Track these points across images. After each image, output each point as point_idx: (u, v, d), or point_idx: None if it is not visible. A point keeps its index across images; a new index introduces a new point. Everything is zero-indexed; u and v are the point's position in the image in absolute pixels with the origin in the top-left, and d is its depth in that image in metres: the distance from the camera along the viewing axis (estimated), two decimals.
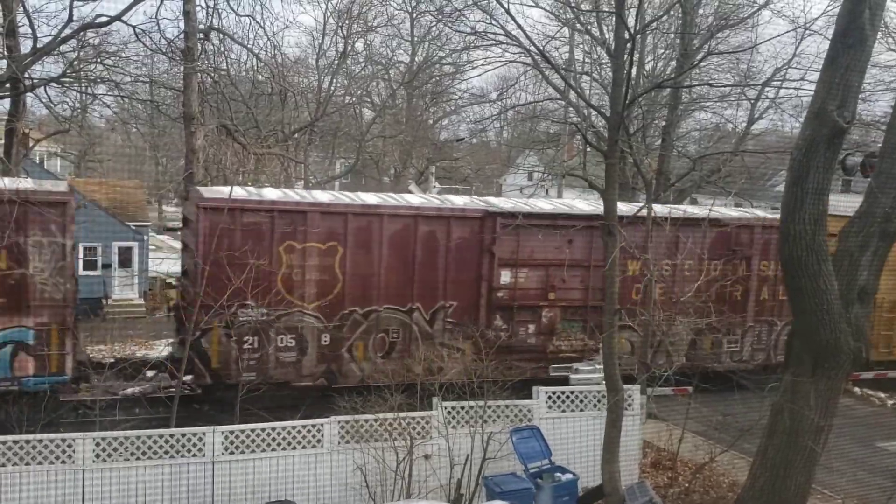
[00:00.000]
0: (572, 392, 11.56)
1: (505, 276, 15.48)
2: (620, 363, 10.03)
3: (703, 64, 23.31)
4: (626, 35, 9.65)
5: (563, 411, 11.36)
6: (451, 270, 15.05)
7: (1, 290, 12.16)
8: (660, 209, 15.51)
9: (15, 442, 8.82)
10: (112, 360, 15.42)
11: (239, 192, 14.18)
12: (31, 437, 8.95)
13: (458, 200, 16.56)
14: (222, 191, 14.37)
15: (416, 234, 14.77)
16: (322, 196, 15.30)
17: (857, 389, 17.77)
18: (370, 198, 15.63)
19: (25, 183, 13.33)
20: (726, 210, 18.54)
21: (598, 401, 11.33)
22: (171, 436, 9.36)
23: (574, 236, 15.58)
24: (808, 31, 16.59)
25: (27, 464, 8.79)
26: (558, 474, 10.22)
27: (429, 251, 14.89)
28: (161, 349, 17.67)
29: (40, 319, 12.47)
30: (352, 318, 14.51)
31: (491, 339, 14.10)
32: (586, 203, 17.39)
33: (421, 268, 14.85)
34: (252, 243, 13.53)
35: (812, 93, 8.90)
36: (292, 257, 13.95)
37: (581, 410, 11.43)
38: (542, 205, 16.86)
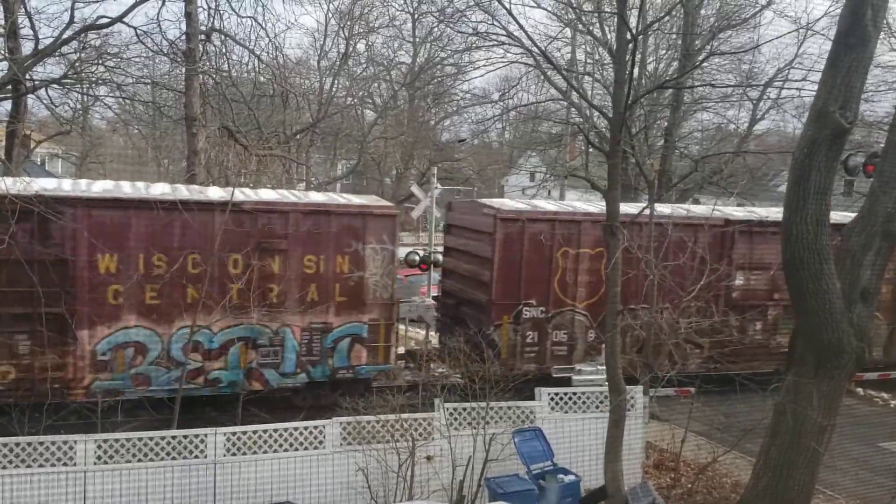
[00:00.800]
0: (574, 393, 11.56)
1: (739, 278, 16.67)
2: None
3: (705, 64, 23.29)
4: (629, 36, 9.64)
5: (566, 412, 11.36)
6: (695, 273, 15.90)
7: (343, 290, 13.97)
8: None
9: (17, 444, 8.83)
10: (402, 351, 17.13)
11: (520, 205, 16.31)
12: (32, 438, 8.96)
13: (701, 209, 18.04)
14: (508, 203, 16.59)
15: (668, 240, 15.89)
16: (592, 207, 16.81)
17: (859, 390, 17.74)
18: (630, 208, 16.93)
19: (362, 199, 15.21)
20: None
21: (601, 402, 11.33)
22: (174, 437, 9.37)
23: None
24: (810, 32, 16.59)
25: (29, 466, 8.81)
26: (561, 475, 10.20)
27: (678, 255, 15.93)
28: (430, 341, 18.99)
29: (372, 316, 14.20)
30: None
31: (725, 336, 15.63)
32: None
33: (671, 270, 15.72)
34: (535, 249, 15.31)
35: (814, 93, 8.87)
36: (567, 262, 15.59)
37: (583, 411, 11.43)
38: (767, 212, 18.00)
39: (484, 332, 14.62)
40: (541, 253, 15.35)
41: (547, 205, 16.71)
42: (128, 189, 13.38)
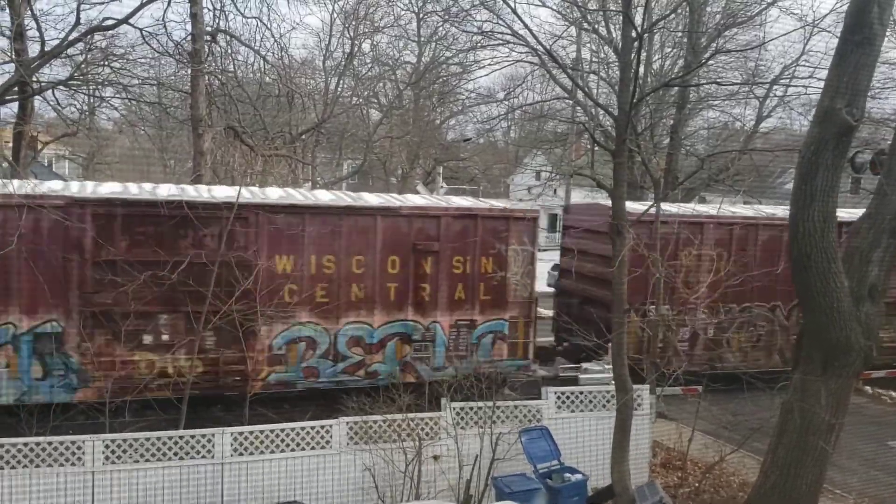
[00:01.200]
0: (581, 392, 11.55)
1: None
2: None
3: (710, 62, 23.25)
4: (634, 34, 9.62)
5: (573, 411, 11.35)
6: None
7: (487, 289, 14.82)
8: None
9: (25, 444, 8.86)
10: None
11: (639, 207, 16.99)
12: (40, 439, 8.99)
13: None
14: (636, 207, 17.03)
15: (780, 242, 16.64)
16: (712, 210, 17.62)
17: (867, 388, 17.69)
18: (747, 211, 18.11)
19: (504, 203, 16.08)
20: None
21: (608, 401, 11.32)
22: (181, 437, 9.39)
23: None
24: (816, 29, 16.50)
25: (37, 466, 8.84)
26: (568, 475, 10.19)
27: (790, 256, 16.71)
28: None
29: (513, 313, 15.03)
30: (732, 314, 16.84)
31: None
32: None
33: (784, 270, 16.33)
34: (661, 250, 15.70)
35: (821, 90, 8.85)
36: (689, 261, 16.51)
37: (590, 410, 11.42)
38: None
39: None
40: (667, 253, 16.09)
41: (672, 208, 17.52)
42: (299, 196, 14.45)
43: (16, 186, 11.90)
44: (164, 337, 12.82)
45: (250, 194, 13.98)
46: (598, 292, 16.68)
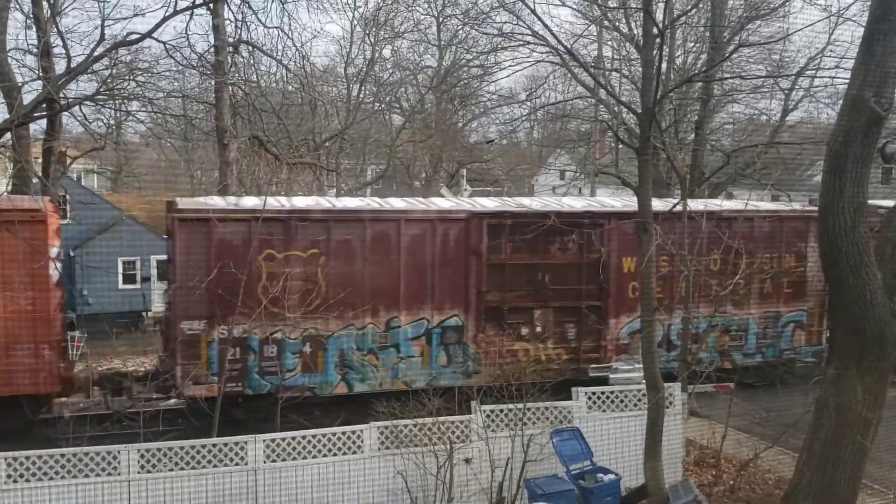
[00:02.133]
0: (612, 392, 11.49)
1: None
2: None
3: (734, 56, 22.98)
4: (655, 30, 9.58)
5: (604, 411, 11.29)
6: None
7: (789, 283, 16.25)
8: None
9: (62, 455, 8.99)
10: None
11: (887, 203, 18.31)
12: (77, 449, 9.13)
13: None
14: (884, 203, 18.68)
15: None
16: None
17: None
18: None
19: (801, 206, 17.47)
20: None
21: (639, 400, 11.25)
22: (214, 445, 9.47)
23: None
24: (841, 18, 16.28)
25: (75, 476, 8.96)
26: (600, 475, 10.15)
27: None
28: None
29: (810, 304, 16.51)
30: None
31: None
32: None
33: None
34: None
35: (847, 81, 8.73)
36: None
37: (621, 410, 11.35)
38: None
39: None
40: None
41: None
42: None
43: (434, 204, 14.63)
44: (538, 329, 14.85)
45: (600, 205, 15.76)
46: None
